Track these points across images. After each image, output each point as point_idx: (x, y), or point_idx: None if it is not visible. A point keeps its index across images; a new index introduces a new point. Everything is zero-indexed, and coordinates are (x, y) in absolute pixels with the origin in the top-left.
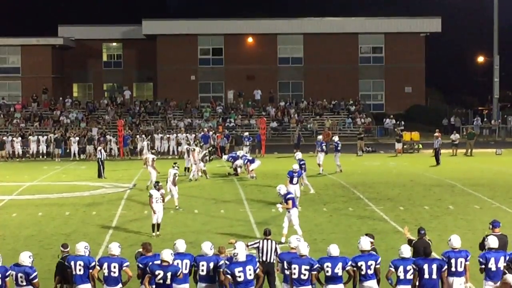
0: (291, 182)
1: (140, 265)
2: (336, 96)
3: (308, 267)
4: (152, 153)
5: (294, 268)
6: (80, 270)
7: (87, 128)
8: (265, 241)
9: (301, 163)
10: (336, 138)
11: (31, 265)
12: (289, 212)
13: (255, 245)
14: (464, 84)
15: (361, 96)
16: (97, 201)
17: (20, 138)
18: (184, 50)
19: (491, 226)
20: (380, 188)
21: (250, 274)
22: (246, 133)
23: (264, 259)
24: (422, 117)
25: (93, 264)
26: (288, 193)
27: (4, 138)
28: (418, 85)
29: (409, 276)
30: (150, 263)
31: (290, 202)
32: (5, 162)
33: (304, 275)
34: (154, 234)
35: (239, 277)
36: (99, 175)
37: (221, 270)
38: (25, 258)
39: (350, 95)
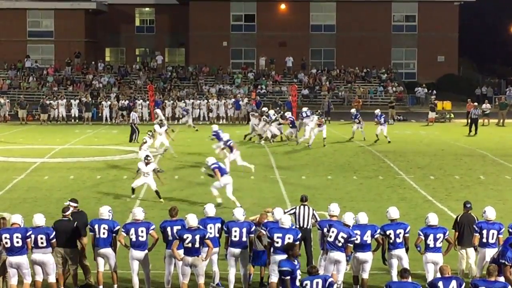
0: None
1: (160, 228)
2: (368, 64)
3: (345, 236)
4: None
5: (332, 232)
6: (104, 233)
7: (122, 92)
8: (301, 207)
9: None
10: (355, 112)
11: (48, 226)
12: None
13: (292, 211)
14: (497, 54)
15: (393, 65)
16: (128, 165)
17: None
18: (217, 16)
19: None
20: (411, 157)
21: None
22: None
23: (301, 225)
24: (454, 86)
25: (117, 228)
26: (212, 163)
27: (49, 102)
28: (451, 54)
29: (438, 244)
30: (177, 227)
31: (216, 171)
32: (40, 125)
33: (339, 241)
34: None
35: (277, 242)
36: (131, 140)
37: (253, 236)
38: (40, 220)
39: (382, 63)
